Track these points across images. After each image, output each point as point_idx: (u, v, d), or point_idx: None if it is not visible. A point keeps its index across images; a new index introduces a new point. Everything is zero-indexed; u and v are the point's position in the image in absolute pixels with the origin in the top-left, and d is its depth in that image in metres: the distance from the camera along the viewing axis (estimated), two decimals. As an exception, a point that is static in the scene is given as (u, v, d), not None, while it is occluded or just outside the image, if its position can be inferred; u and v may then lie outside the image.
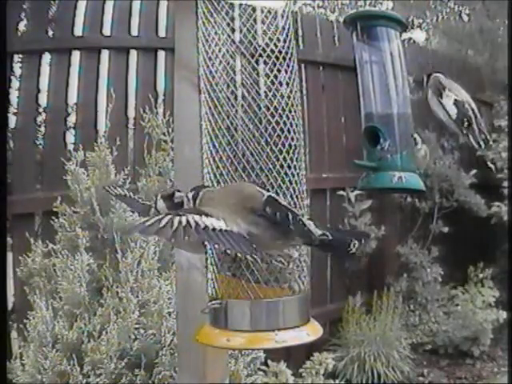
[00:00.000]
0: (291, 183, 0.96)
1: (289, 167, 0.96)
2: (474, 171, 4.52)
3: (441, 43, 6.82)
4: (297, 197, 0.98)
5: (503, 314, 4.16)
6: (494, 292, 4.38)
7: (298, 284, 0.96)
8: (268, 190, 0.93)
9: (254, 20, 0.96)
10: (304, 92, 4.01)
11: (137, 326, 1.91)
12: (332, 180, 4.03)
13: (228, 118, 0.96)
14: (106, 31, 3.07)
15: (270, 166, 0.94)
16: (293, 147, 0.96)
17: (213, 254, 0.98)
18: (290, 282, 0.95)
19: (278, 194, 0.95)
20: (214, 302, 0.97)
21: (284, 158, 0.95)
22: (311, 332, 0.98)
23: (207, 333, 0.98)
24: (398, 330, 3.78)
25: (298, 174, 0.97)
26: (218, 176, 0.97)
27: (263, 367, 2.80)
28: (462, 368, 4.04)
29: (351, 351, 3.58)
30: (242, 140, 0.95)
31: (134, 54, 3.17)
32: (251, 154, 0.95)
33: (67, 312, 1.96)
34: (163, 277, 2.05)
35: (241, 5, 0.97)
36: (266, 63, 0.96)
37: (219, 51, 0.98)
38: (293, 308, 0.96)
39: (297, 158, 0.97)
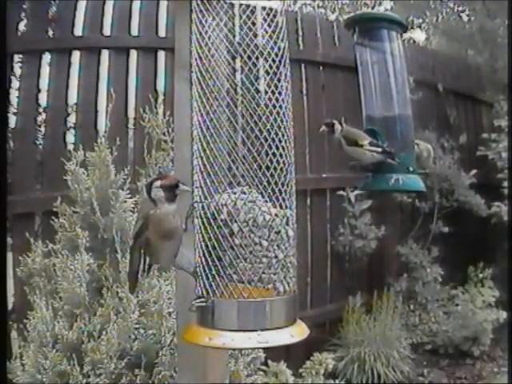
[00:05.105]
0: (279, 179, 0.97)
1: (279, 158, 0.97)
2: (474, 171, 4.52)
3: (441, 43, 6.81)
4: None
5: (503, 314, 4.16)
6: (494, 292, 4.38)
7: (283, 285, 0.96)
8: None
9: (245, 19, 0.97)
10: (304, 92, 4.01)
11: (137, 326, 1.90)
12: (332, 180, 4.03)
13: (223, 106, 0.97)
14: (106, 31, 3.07)
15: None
16: (284, 148, 0.98)
17: (201, 252, 0.98)
18: (274, 283, 0.95)
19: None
20: (198, 299, 0.97)
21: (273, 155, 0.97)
22: (296, 333, 0.97)
23: (193, 331, 0.99)
24: (398, 329, 3.78)
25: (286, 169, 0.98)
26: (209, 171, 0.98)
27: (263, 367, 2.80)
28: (461, 368, 4.03)
29: (351, 351, 3.58)
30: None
31: (134, 54, 3.17)
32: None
33: (67, 312, 1.96)
34: (163, 277, 2.05)
35: (232, 4, 0.98)
36: (265, 61, 0.97)
37: (214, 49, 0.98)
38: (278, 309, 0.96)
39: (286, 155, 0.98)
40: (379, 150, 1.50)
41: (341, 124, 1.56)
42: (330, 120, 1.57)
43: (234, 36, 0.99)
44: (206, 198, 0.98)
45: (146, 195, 1.04)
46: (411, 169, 1.54)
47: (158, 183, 1.03)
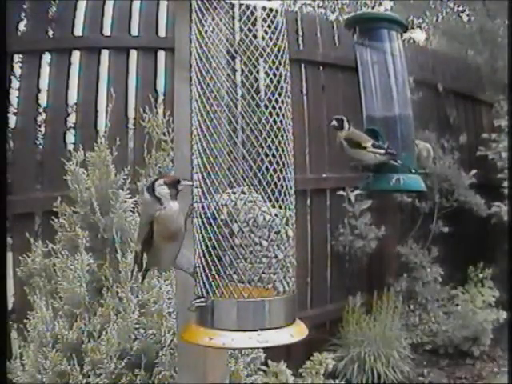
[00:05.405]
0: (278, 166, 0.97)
1: (277, 157, 0.97)
2: (474, 171, 4.53)
3: (441, 43, 6.81)
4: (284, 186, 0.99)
5: (503, 314, 4.16)
6: (494, 292, 4.39)
7: (282, 285, 0.97)
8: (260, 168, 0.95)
9: (245, 20, 0.97)
10: (304, 92, 4.01)
11: (137, 326, 1.90)
12: (332, 180, 4.03)
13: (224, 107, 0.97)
14: (106, 31, 3.07)
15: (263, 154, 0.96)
16: (283, 140, 0.98)
17: (200, 252, 0.98)
18: (274, 283, 0.96)
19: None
20: (198, 300, 0.97)
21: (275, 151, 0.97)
22: (295, 333, 0.98)
23: (192, 331, 0.99)
24: (398, 329, 3.78)
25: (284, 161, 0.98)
26: (208, 168, 0.98)
27: (263, 367, 2.80)
28: (461, 368, 4.03)
29: (351, 351, 3.58)
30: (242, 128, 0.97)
31: (134, 54, 3.17)
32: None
33: (67, 312, 1.96)
34: (163, 277, 2.05)
35: (232, 4, 0.98)
36: (265, 62, 0.97)
37: (214, 49, 0.98)
38: (278, 309, 0.97)
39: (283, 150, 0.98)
40: (382, 151, 1.51)
41: (348, 122, 1.56)
42: (339, 116, 1.57)
43: (234, 36, 0.99)
44: (205, 198, 0.98)
45: (149, 196, 1.04)
46: (413, 170, 1.54)
47: (161, 181, 1.04)
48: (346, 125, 1.56)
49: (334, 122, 1.56)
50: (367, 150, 1.51)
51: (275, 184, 0.96)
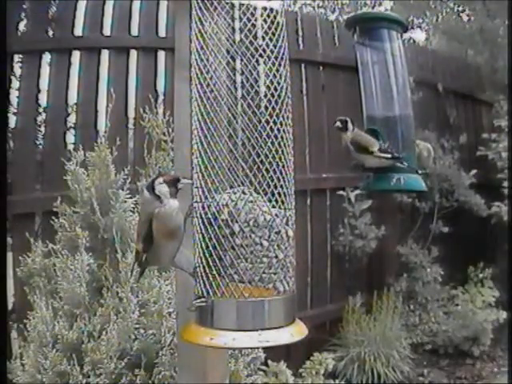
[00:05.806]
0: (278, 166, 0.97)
1: (276, 154, 0.98)
2: (474, 171, 4.53)
3: (441, 43, 6.81)
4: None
5: (503, 314, 4.17)
6: (493, 292, 4.39)
7: (282, 284, 0.97)
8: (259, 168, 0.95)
9: (245, 20, 0.97)
10: (304, 92, 4.01)
11: (137, 325, 1.90)
12: (332, 180, 4.03)
13: (223, 107, 0.97)
14: (106, 31, 3.07)
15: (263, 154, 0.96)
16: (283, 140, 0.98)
17: (201, 252, 0.99)
18: (274, 283, 0.96)
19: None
20: (199, 300, 0.97)
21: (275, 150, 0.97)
22: (295, 332, 0.98)
23: (192, 331, 0.99)
24: (398, 330, 3.78)
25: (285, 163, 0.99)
26: (208, 167, 0.98)
27: (263, 367, 2.80)
28: (461, 368, 4.03)
29: (351, 351, 3.58)
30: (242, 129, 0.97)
31: (134, 54, 3.17)
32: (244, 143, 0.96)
33: (67, 312, 1.96)
34: (163, 277, 2.05)
35: (232, 4, 0.98)
36: (265, 62, 0.97)
37: (214, 49, 0.98)
38: (278, 308, 0.97)
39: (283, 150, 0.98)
40: (389, 156, 1.51)
41: (352, 123, 1.56)
42: (343, 117, 1.57)
43: (234, 36, 0.99)
44: (206, 198, 0.98)
45: (149, 194, 1.05)
46: (420, 172, 1.54)
47: (160, 179, 1.05)
48: (350, 126, 1.55)
49: (338, 124, 1.56)
50: (374, 155, 1.51)
51: (275, 184, 0.96)
